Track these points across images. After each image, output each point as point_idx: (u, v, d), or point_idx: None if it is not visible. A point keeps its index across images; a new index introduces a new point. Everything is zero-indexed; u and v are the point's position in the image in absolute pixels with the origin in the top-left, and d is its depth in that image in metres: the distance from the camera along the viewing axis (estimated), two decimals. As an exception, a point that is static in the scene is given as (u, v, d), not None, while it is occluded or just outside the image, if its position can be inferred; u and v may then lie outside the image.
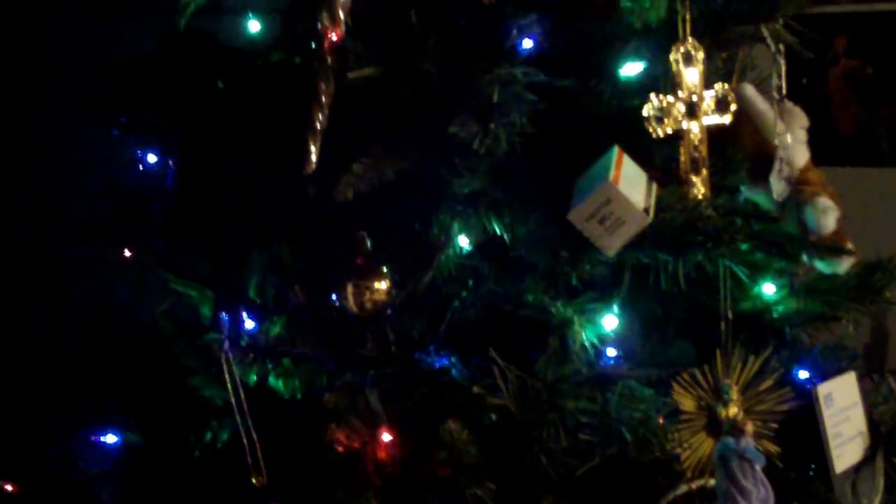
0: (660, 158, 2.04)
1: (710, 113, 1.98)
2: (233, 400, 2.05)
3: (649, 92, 1.98)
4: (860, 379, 2.24)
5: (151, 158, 2.25)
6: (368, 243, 2.00)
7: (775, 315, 2.16)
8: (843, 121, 3.59)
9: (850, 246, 2.10)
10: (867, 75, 3.55)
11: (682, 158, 2.00)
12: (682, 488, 1.99)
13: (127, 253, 2.26)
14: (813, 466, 2.12)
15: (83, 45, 2.96)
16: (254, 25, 2.25)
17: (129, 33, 2.56)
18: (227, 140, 2.14)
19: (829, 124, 3.57)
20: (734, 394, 2.02)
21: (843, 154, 3.50)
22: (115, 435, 2.27)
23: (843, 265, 2.11)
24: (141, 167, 2.25)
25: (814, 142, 2.19)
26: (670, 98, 1.97)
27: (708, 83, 1.99)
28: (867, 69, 3.55)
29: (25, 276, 3.25)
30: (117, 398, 2.25)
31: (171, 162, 2.22)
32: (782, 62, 2.09)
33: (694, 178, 2.00)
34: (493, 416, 1.96)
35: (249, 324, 2.11)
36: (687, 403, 2.03)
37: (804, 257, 2.09)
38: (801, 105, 2.19)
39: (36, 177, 3.36)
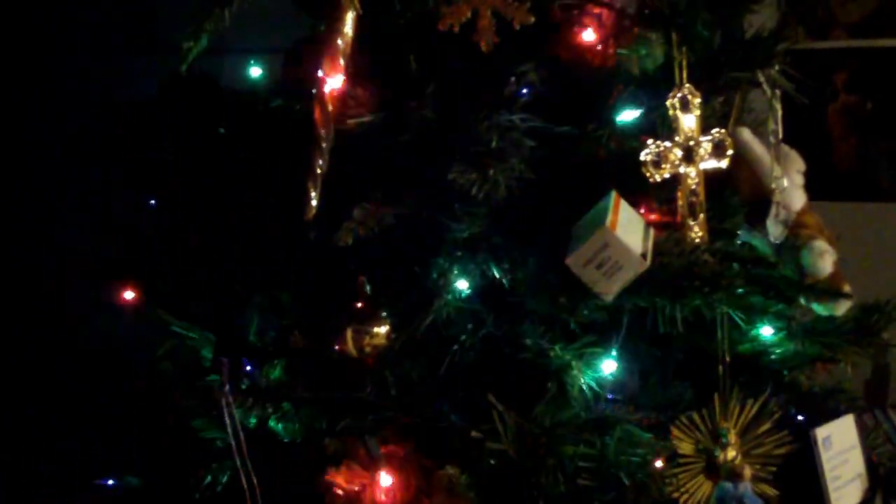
0: (657, 202, 2.04)
1: (707, 158, 2.00)
2: (233, 442, 2.06)
3: (647, 136, 2.00)
4: (860, 416, 2.25)
5: (153, 201, 2.25)
6: (368, 288, 2.01)
7: (773, 357, 2.17)
8: (842, 156, 3.60)
9: (847, 289, 2.11)
10: (866, 111, 3.56)
11: (680, 203, 2.01)
12: (681, 532, 2.00)
13: (128, 295, 2.26)
14: (812, 510, 2.12)
15: (85, 86, 2.99)
16: (255, 71, 2.26)
17: (132, 73, 2.58)
18: (228, 184, 2.15)
19: (828, 159, 3.59)
20: (732, 437, 2.03)
21: (842, 189, 3.51)
22: (115, 478, 2.27)
23: (841, 308, 2.12)
24: (142, 209, 2.26)
25: (812, 177, 2.21)
26: (667, 143, 1.99)
27: (705, 128, 2.01)
28: (866, 105, 3.56)
29: (25, 318, 3.26)
30: (117, 440, 2.26)
31: (172, 204, 2.22)
32: (778, 107, 2.10)
33: (691, 223, 2.01)
34: (492, 461, 1.96)
35: (249, 367, 2.12)
36: (685, 447, 2.04)
37: (801, 300, 2.10)
38: (800, 140, 2.20)
39: (37, 217, 3.37)
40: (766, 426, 2.05)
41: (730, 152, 2.00)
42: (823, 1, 3.53)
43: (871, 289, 2.22)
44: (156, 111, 2.27)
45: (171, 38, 2.07)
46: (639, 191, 2.03)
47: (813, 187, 2.20)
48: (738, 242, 2.12)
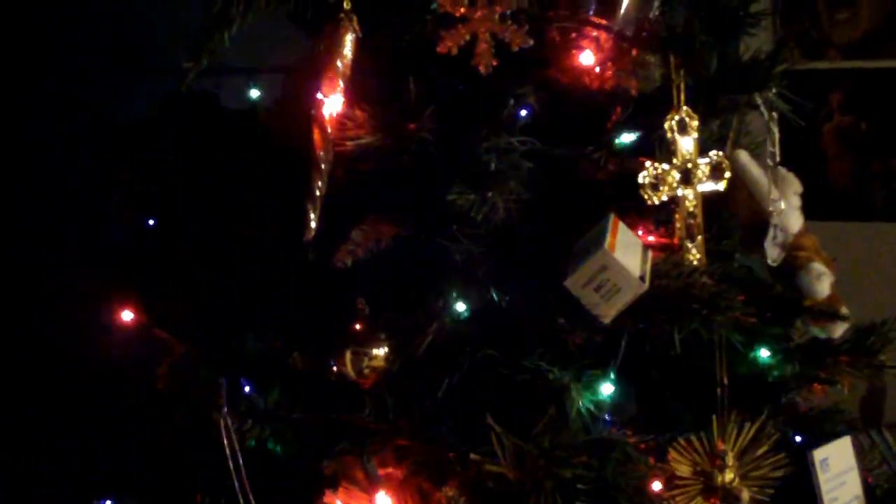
0: (655, 225, 2.04)
1: (704, 180, 2.00)
2: (230, 464, 2.05)
3: (645, 158, 2.00)
4: (856, 436, 2.24)
5: (151, 222, 2.25)
6: (366, 310, 2.01)
7: (770, 379, 2.17)
8: (836, 176, 3.61)
9: (844, 311, 2.11)
10: (861, 131, 3.57)
11: (678, 225, 2.01)
12: (679, 554, 2.00)
13: (127, 315, 2.25)
14: (809, 532, 2.12)
15: (83, 107, 2.98)
16: (254, 93, 2.27)
17: (131, 94, 2.57)
18: (227, 204, 2.15)
19: (823, 179, 3.60)
20: (730, 459, 2.03)
21: (836, 209, 3.52)
22: (112, 499, 2.26)
23: (838, 330, 2.12)
24: (141, 230, 2.26)
25: (807, 197, 2.21)
26: (665, 165, 1.99)
27: (703, 150, 2.01)
28: (861, 125, 3.57)
29: (22, 338, 3.25)
30: (115, 461, 2.25)
31: (171, 224, 2.22)
32: (776, 130, 2.10)
33: (689, 245, 2.02)
34: (491, 483, 1.95)
35: (248, 388, 2.11)
36: (683, 469, 2.03)
37: (799, 323, 2.10)
38: (795, 160, 2.20)
39: (34, 237, 3.36)
40: (764, 448, 2.05)
41: (727, 175, 2.01)
42: (817, 22, 3.54)
43: (866, 308, 2.22)
44: (155, 131, 2.26)
45: (171, 58, 2.07)
46: (637, 213, 2.03)
47: (808, 207, 2.20)
48: (736, 265, 2.12)
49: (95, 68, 3.25)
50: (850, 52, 3.58)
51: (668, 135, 2.00)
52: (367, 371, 1.99)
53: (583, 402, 1.99)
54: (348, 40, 1.99)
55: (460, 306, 2.02)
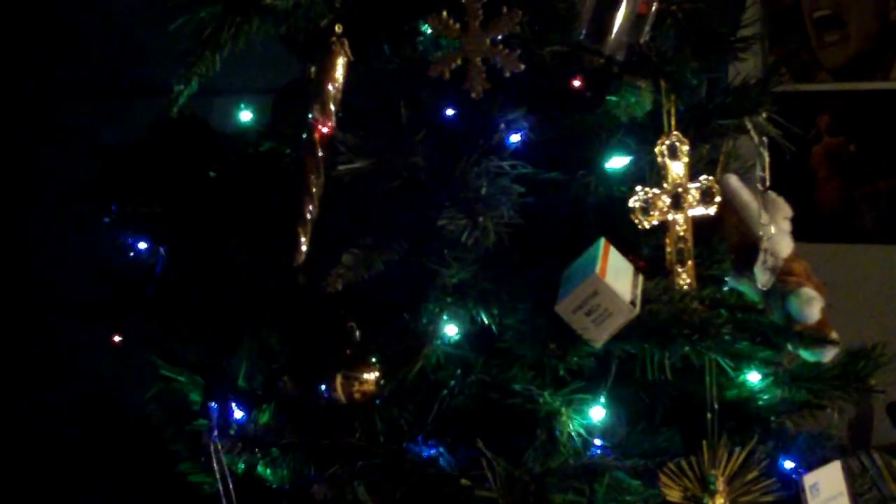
0: (646, 249, 2.04)
1: (695, 205, 2.01)
2: (220, 488, 2.04)
3: (636, 181, 2.00)
4: (846, 460, 2.24)
5: (142, 245, 2.25)
6: (357, 334, 2.00)
7: (760, 403, 2.17)
8: (825, 198, 3.62)
9: (834, 336, 2.10)
10: (850, 153, 3.58)
11: (668, 249, 2.01)
12: (669, 580, 1.99)
13: (116, 338, 2.25)
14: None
15: (73, 130, 2.98)
16: (245, 115, 2.26)
17: (121, 115, 2.57)
18: (218, 228, 2.14)
19: (812, 201, 3.60)
20: (720, 485, 2.02)
21: (824, 231, 3.53)
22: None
23: (828, 354, 2.11)
24: (131, 253, 2.25)
25: (795, 219, 2.21)
26: (656, 190, 1.99)
27: (693, 175, 2.01)
28: (850, 147, 3.58)
29: (12, 361, 3.24)
30: (105, 485, 2.24)
31: (161, 248, 2.22)
32: (766, 154, 2.11)
33: (679, 270, 2.01)
34: (482, 508, 1.95)
35: (238, 412, 2.11)
36: (673, 494, 2.03)
37: (789, 347, 2.10)
38: (783, 182, 2.20)
39: (25, 259, 3.35)
40: (754, 473, 2.04)
41: (717, 199, 2.01)
42: (807, 45, 3.55)
43: (856, 332, 2.22)
44: (145, 154, 2.26)
45: (160, 81, 2.07)
46: (628, 237, 2.02)
47: (796, 229, 2.20)
48: (726, 289, 2.12)
49: (83, 91, 3.25)
50: (839, 74, 3.59)
51: (659, 159, 2.00)
52: (357, 395, 1.99)
53: (573, 427, 2.00)
54: (340, 64, 2.00)
55: (451, 330, 2.02)
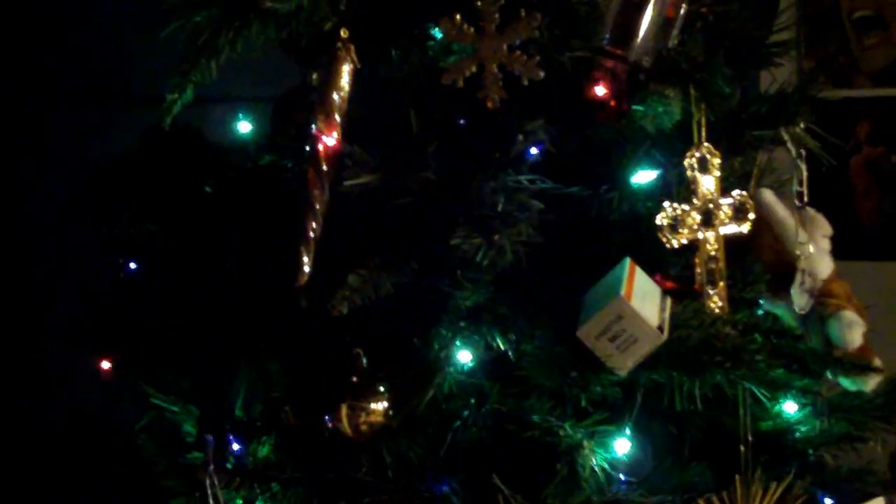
0: (674, 270, 2.05)
1: (727, 222, 2.01)
2: (217, 526, 2.05)
3: (663, 197, 2.01)
4: (890, 497, 2.24)
5: (132, 265, 2.25)
6: (364, 361, 2.00)
7: (798, 436, 2.17)
8: (865, 212, 3.61)
9: (877, 362, 2.11)
10: (891, 163, 3.58)
11: (698, 270, 2.02)
12: None
13: (105, 365, 2.25)
14: None
15: (59, 142, 2.98)
16: (244, 126, 2.27)
17: (110, 125, 2.58)
18: (213, 247, 2.15)
19: (851, 216, 3.59)
20: (755, 523, 2.02)
21: (865, 248, 3.52)
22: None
23: (870, 383, 2.12)
24: (121, 274, 2.25)
25: (835, 236, 2.21)
26: (685, 206, 2.00)
27: (725, 189, 2.01)
28: (891, 157, 3.57)
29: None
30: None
31: (154, 269, 2.22)
32: (803, 167, 2.11)
33: (711, 292, 2.02)
34: (498, 548, 1.95)
35: (236, 444, 2.11)
36: (704, 533, 2.03)
37: (828, 375, 2.10)
38: (822, 196, 2.20)
39: (11, 282, 3.35)
40: (792, 511, 2.04)
41: (751, 216, 2.01)
42: (846, 48, 3.55)
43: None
44: (135, 168, 2.26)
45: (152, 89, 2.08)
46: (654, 257, 2.03)
47: (836, 246, 2.21)
48: (761, 313, 2.12)
49: (69, 99, 3.25)
50: (879, 78, 3.59)
51: (688, 173, 2.00)
52: (364, 427, 1.99)
53: (596, 461, 1.99)
54: (345, 71, 2.00)
55: (465, 357, 2.02)
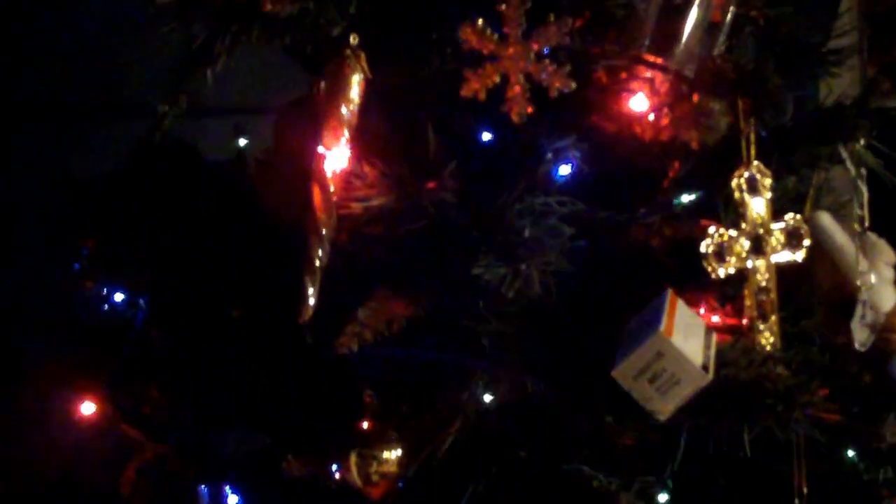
0: (720, 303, 2.04)
1: (779, 249, 2.00)
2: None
3: (708, 222, 2.00)
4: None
5: (118, 296, 2.25)
6: (376, 404, 2.00)
7: (859, 485, 2.15)
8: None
9: (946, 405, 2.10)
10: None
11: (747, 303, 2.00)
12: None
13: (88, 407, 2.25)
14: None
15: (43, 159, 2.99)
16: (242, 142, 2.28)
17: (97, 139, 2.58)
18: (208, 276, 2.15)
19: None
20: (812, 583, 2.01)
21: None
22: None
23: (939, 427, 2.11)
24: (105, 305, 2.26)
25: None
26: (732, 232, 1.98)
27: (776, 213, 2.00)
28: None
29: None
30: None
31: (141, 300, 2.22)
32: (864, 188, 2.10)
33: (761, 327, 2.00)
34: None
35: (233, 496, 2.11)
36: None
37: (892, 419, 2.09)
38: (884, 221, 2.20)
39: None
40: (855, 572, 2.03)
41: (806, 242, 1.99)
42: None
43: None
44: (123, 187, 2.27)
45: (143, 99, 2.08)
46: (699, 288, 2.02)
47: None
48: (817, 350, 2.10)
49: (47, 111, 3.26)
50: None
51: (736, 195, 1.99)
52: (375, 477, 2.00)
53: (634, 514, 1.98)
54: (355, 81, 2.00)
55: (488, 399, 2.01)
